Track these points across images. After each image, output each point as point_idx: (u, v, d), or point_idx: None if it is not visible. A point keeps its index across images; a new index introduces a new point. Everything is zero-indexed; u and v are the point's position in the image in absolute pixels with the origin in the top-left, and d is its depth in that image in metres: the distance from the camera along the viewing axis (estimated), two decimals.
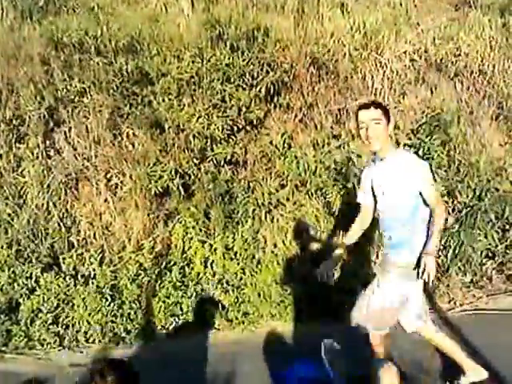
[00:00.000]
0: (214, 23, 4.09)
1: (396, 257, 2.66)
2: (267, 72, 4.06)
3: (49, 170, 4.12)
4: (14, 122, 4.12)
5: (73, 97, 4.09)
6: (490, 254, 4.17)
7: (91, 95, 4.09)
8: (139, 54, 4.05)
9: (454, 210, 4.11)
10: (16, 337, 3.79)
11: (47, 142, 4.13)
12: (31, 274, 3.93)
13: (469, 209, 4.06)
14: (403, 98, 4.33)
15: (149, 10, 4.25)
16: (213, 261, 4.05)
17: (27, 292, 3.89)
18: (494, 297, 4.07)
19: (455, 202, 4.12)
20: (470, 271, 4.10)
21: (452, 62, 4.39)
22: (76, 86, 4.06)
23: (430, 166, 3.84)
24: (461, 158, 4.23)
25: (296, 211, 4.13)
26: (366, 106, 2.50)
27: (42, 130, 4.11)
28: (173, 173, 4.02)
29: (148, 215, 4.14)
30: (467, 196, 4.11)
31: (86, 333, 3.89)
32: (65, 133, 4.17)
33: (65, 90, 4.07)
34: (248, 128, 4.16)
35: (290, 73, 4.17)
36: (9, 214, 4.08)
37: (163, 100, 3.99)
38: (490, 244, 4.08)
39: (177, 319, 3.97)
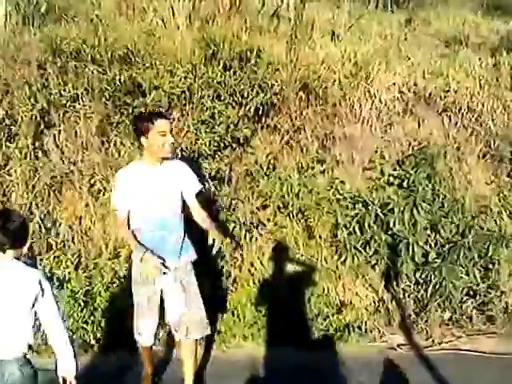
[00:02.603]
0: (208, 42, 4.15)
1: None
2: (257, 93, 4.10)
3: (35, 170, 4.12)
4: (6, 121, 4.14)
5: (65, 102, 4.12)
6: (471, 293, 4.14)
7: (83, 101, 4.13)
8: (133, 65, 4.11)
9: (436, 244, 4.08)
10: None
11: (36, 144, 4.14)
12: None
13: (451, 244, 4.04)
14: (390, 128, 4.37)
15: (146, 24, 4.35)
16: None
17: None
18: (473, 337, 4.03)
19: (438, 237, 4.09)
20: (450, 308, 4.06)
21: (441, 97, 4.43)
22: (69, 92, 4.10)
23: (415, 199, 3.96)
24: (446, 192, 4.23)
25: (276, 232, 4.13)
26: (165, 116, 2.97)
27: (32, 131, 4.14)
28: None
29: None
30: (450, 231, 4.09)
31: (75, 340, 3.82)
32: (54, 136, 4.19)
33: (58, 95, 4.11)
34: (234, 146, 4.19)
35: (280, 95, 4.22)
36: None
37: None
38: (471, 282, 4.05)
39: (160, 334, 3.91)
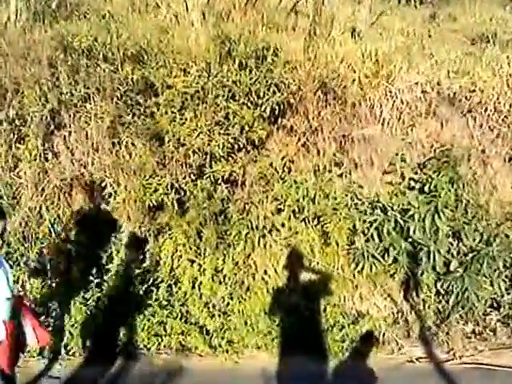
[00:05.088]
0: (223, 39, 4.03)
1: None
2: (273, 92, 3.97)
3: (45, 173, 4.08)
4: (16, 121, 4.09)
5: (76, 101, 4.06)
6: (495, 305, 4.03)
7: (94, 101, 4.05)
8: (146, 63, 4.00)
9: (458, 253, 3.97)
10: None
11: (46, 145, 4.10)
12: (18, 277, 3.88)
13: (475, 253, 3.90)
14: (412, 129, 4.20)
15: (159, 21, 4.23)
16: (201, 282, 3.95)
17: None
18: (497, 351, 3.90)
19: (460, 245, 3.96)
20: (473, 320, 3.97)
21: (466, 97, 4.24)
22: (80, 91, 4.03)
23: (436, 204, 3.81)
24: (469, 198, 4.09)
25: (291, 238, 4.03)
26: None
27: (42, 132, 4.08)
28: (168, 187, 3.95)
29: (139, 228, 4.07)
30: (474, 239, 3.97)
31: (67, 345, 3.80)
32: (64, 137, 4.14)
33: (69, 94, 4.04)
34: (249, 148, 4.08)
35: (297, 95, 4.09)
36: None
37: (166, 112, 3.93)
38: (495, 293, 3.94)
39: (159, 339, 3.87)
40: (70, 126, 4.12)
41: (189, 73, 3.95)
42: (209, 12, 4.23)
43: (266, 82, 3.96)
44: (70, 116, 4.10)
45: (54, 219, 4.03)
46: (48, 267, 3.92)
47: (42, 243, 3.99)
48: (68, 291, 3.86)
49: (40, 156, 4.05)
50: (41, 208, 4.02)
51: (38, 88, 4.05)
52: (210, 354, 3.85)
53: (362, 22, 4.98)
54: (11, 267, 3.84)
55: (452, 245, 3.94)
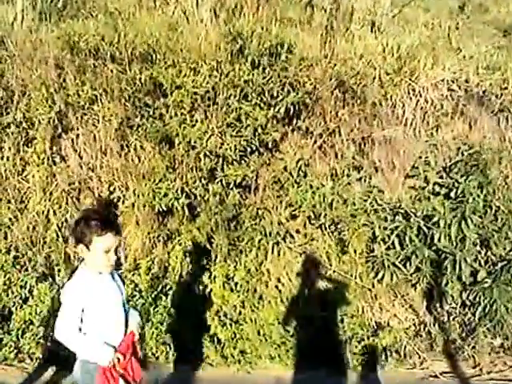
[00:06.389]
0: (235, 36, 3.90)
1: None
2: (288, 92, 3.85)
3: (53, 176, 4.02)
4: (23, 124, 4.03)
5: (83, 103, 3.97)
6: None
7: (102, 103, 3.96)
8: (154, 63, 3.90)
9: (487, 262, 3.82)
10: (6, 347, 3.68)
11: (54, 148, 4.03)
12: (26, 282, 3.83)
13: (505, 262, 3.76)
14: (437, 131, 4.05)
15: (167, 18, 4.11)
16: (211, 289, 3.83)
17: (20, 301, 3.79)
18: None
19: (489, 254, 3.82)
20: (501, 334, 3.82)
21: (497, 96, 4.06)
22: (87, 93, 3.94)
23: (464, 210, 3.61)
24: (500, 204, 3.90)
25: (306, 245, 3.93)
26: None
27: (50, 135, 4.01)
28: (179, 191, 3.85)
29: (148, 233, 3.98)
30: (504, 248, 3.81)
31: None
32: (72, 140, 4.07)
33: (76, 96, 3.95)
34: (262, 150, 3.97)
35: (313, 94, 3.96)
36: (10, 219, 4.00)
37: (175, 114, 3.83)
38: None
39: (168, 348, 3.78)
40: (77, 129, 4.04)
41: (199, 72, 3.83)
42: (219, 8, 4.13)
43: (280, 81, 3.85)
44: (77, 118, 4.02)
45: (62, 223, 3.95)
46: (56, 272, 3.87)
47: (50, 248, 3.93)
48: None
49: (48, 159, 3.99)
50: (48, 212, 3.96)
51: (45, 89, 3.97)
52: (221, 364, 3.74)
53: (382, 15, 4.78)
54: (19, 272, 3.88)
55: (480, 253, 3.79)
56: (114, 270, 2.31)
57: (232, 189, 3.90)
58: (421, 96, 4.00)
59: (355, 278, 3.89)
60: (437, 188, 3.88)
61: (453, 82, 4.03)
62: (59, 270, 3.90)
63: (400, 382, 3.53)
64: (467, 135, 4.07)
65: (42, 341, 3.66)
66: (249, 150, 3.89)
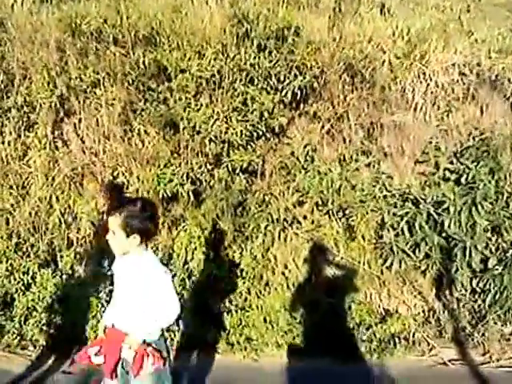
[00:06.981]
0: (241, 19, 3.83)
1: None
2: (295, 76, 3.78)
3: (55, 161, 3.97)
4: (24, 108, 3.96)
5: (86, 87, 3.91)
6: None
7: (105, 87, 3.90)
8: (158, 46, 3.83)
9: (497, 249, 3.77)
10: (9, 334, 3.66)
11: (56, 133, 3.98)
12: (28, 268, 3.80)
13: None
14: (448, 115, 3.98)
15: (171, 0, 4.02)
16: (216, 276, 3.81)
17: (23, 288, 3.76)
18: None
19: (500, 241, 3.76)
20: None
21: (509, 80, 3.99)
22: (90, 76, 3.87)
23: (474, 197, 3.57)
24: (511, 190, 3.83)
25: (313, 231, 3.89)
26: None
27: (51, 120, 3.96)
28: (184, 177, 3.81)
29: None
30: None
31: (78, 339, 3.70)
32: (74, 124, 4.01)
33: (78, 80, 3.89)
34: (268, 135, 3.92)
35: (321, 78, 3.90)
36: (12, 205, 3.95)
37: (180, 98, 3.77)
38: None
39: (172, 335, 3.75)
40: (79, 113, 3.98)
41: (204, 55, 3.76)
42: None
43: (287, 64, 3.78)
44: (79, 102, 3.95)
45: (65, 209, 3.91)
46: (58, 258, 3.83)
47: (53, 234, 3.88)
48: (79, 284, 3.77)
49: (50, 144, 3.94)
50: (51, 198, 3.91)
51: (47, 73, 3.91)
52: (227, 352, 3.73)
53: None
54: (21, 258, 3.84)
55: (490, 240, 3.74)
56: None
57: (238, 174, 3.87)
58: (431, 80, 3.93)
59: (363, 264, 3.86)
60: (447, 174, 3.85)
61: (464, 65, 3.96)
62: (62, 256, 3.88)
63: (408, 370, 3.50)
64: (478, 120, 4.01)
65: (45, 328, 3.64)
66: (255, 134, 3.84)
